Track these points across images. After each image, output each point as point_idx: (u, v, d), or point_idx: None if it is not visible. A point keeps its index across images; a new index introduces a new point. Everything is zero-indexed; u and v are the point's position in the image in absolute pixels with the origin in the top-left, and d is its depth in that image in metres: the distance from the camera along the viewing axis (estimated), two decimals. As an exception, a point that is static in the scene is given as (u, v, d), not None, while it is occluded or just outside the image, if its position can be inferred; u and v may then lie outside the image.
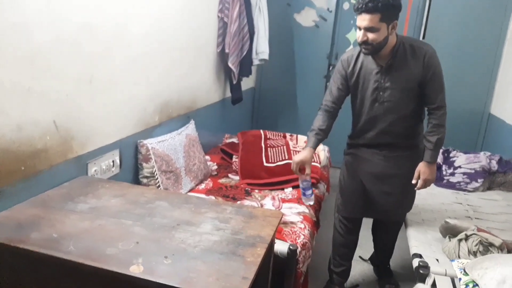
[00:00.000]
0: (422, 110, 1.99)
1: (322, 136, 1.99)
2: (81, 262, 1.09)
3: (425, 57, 1.82)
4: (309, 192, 2.01)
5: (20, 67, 1.32)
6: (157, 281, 1.04)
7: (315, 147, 1.97)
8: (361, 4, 1.72)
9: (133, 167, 2.01)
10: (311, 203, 2.08)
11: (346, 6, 3.93)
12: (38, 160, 1.44)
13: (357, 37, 1.80)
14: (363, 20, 1.74)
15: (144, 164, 1.98)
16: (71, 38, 1.51)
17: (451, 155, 3.00)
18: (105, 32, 1.69)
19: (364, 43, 1.78)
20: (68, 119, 1.56)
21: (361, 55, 1.92)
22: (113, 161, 1.82)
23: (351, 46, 3.99)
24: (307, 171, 1.92)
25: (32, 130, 1.40)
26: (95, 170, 1.71)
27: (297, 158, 1.93)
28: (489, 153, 2.95)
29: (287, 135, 3.16)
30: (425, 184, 1.91)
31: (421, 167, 1.91)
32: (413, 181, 1.93)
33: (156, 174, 1.98)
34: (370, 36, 1.75)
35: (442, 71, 1.86)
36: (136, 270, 1.07)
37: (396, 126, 1.95)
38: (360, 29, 1.78)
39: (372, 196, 2.05)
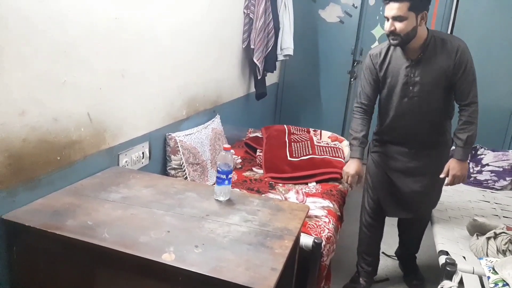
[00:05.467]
0: (451, 106, 1.96)
1: (366, 143, 2.02)
2: (115, 249, 1.12)
3: (458, 52, 1.78)
4: (230, 177, 1.49)
5: (56, 60, 1.36)
6: (189, 269, 1.07)
7: (362, 157, 1.98)
8: None
9: (161, 159, 2.05)
10: (224, 198, 1.48)
11: (372, 1, 3.88)
12: (73, 151, 1.49)
13: (385, 28, 1.78)
14: (391, 9, 1.71)
15: (172, 156, 2.02)
16: (104, 32, 1.56)
17: (478, 152, 2.94)
18: (135, 27, 1.73)
19: (392, 33, 1.75)
20: (101, 112, 1.61)
21: (390, 50, 1.90)
22: (143, 153, 1.87)
23: (376, 42, 3.94)
24: (359, 182, 1.98)
25: (67, 122, 1.45)
26: (126, 161, 1.76)
27: (351, 170, 1.97)
28: (518, 151, 2.88)
29: (311, 130, 3.15)
30: (454, 181, 1.89)
31: (451, 163, 1.89)
32: (442, 175, 1.90)
33: (184, 166, 2.02)
34: (398, 26, 1.72)
35: (474, 66, 1.82)
36: (168, 258, 1.11)
37: (424, 122, 1.92)
38: (388, 19, 1.75)
39: (401, 194, 2.05)
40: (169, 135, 2.03)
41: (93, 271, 1.22)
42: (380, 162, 2.08)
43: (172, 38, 2.02)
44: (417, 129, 1.94)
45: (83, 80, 1.50)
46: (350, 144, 2.03)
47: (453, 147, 1.96)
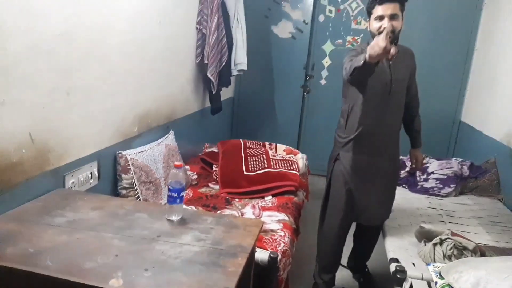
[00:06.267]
0: None
1: None
2: (58, 277, 1.07)
3: (413, 55, 2.08)
4: (182, 195, 1.45)
5: (-7, 79, 1.30)
6: (137, 294, 1.04)
7: None
8: None
9: (112, 178, 1.99)
10: (176, 217, 1.44)
11: (321, 18, 4.02)
12: (13, 173, 1.41)
13: (378, 26, 1.83)
14: (387, 8, 1.82)
15: (123, 175, 1.96)
16: (47, 49, 1.50)
17: (424, 161, 3.08)
18: (82, 42, 1.68)
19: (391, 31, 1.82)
20: (45, 131, 1.53)
21: None
22: (91, 173, 1.80)
23: (327, 57, 4.08)
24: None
25: (6, 143, 1.37)
26: (72, 183, 1.69)
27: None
28: (460, 159, 3.05)
29: (267, 144, 3.19)
30: (421, 165, 2.31)
31: (417, 152, 2.27)
32: (413, 165, 2.30)
33: (135, 185, 1.97)
34: (395, 24, 1.82)
35: None
36: (115, 284, 1.06)
37: (396, 120, 2.08)
38: (381, 19, 1.84)
39: (378, 195, 2.11)
40: (120, 153, 1.98)
41: (35, 301, 1.15)
42: (357, 166, 2.05)
43: (121, 53, 1.98)
44: (392, 128, 2.06)
45: (24, 99, 1.42)
46: (354, 61, 1.75)
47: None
